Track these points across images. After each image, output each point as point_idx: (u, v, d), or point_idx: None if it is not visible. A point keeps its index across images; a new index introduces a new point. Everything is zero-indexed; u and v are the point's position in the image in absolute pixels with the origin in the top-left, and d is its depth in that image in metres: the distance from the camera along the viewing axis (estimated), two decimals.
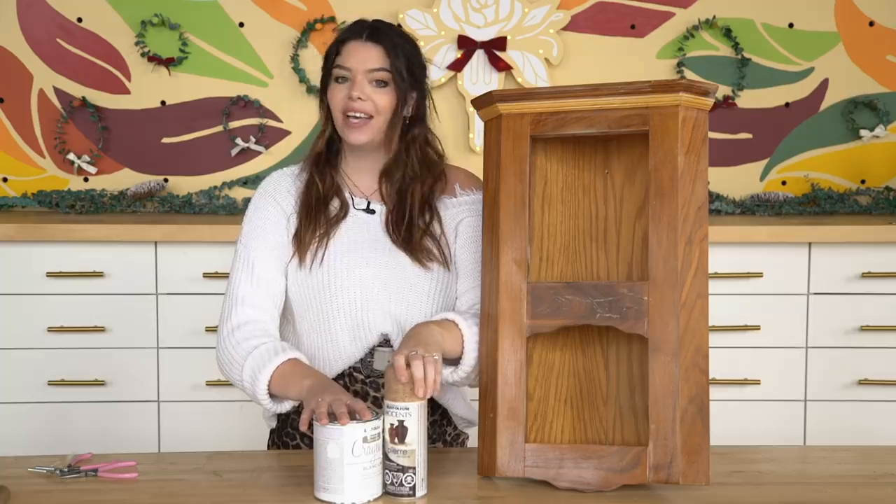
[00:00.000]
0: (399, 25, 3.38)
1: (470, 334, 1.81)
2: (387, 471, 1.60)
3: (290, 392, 1.81)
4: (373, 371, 1.95)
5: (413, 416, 1.59)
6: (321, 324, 1.94)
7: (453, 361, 1.84)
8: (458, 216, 2.00)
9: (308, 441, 1.99)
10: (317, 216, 1.96)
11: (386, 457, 1.60)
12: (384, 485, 1.61)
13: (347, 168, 2.02)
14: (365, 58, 1.92)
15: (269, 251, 1.95)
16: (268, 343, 1.87)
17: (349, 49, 1.94)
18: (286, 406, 1.88)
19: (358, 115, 1.92)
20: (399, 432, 1.59)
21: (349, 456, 1.55)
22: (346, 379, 1.96)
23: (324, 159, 2.00)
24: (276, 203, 1.99)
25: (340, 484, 1.56)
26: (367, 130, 1.93)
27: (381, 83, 1.93)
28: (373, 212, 1.99)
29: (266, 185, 2.02)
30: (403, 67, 1.94)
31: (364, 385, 1.96)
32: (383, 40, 1.94)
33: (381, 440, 1.59)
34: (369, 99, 1.92)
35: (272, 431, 2.08)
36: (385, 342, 1.95)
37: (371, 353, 1.95)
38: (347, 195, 2.00)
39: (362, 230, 1.97)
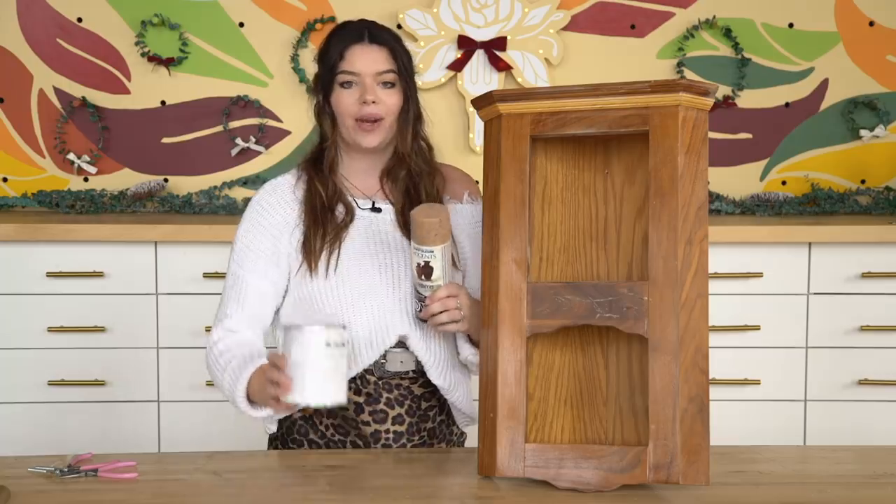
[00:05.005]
0: (399, 26, 3.39)
1: None
2: (416, 300, 1.89)
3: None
4: (385, 373, 1.95)
5: (437, 257, 1.82)
6: None
7: (476, 343, 1.88)
8: (465, 221, 2.01)
9: (315, 447, 1.98)
10: (324, 223, 1.95)
11: (415, 290, 1.87)
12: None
13: (346, 171, 2.01)
14: (372, 61, 1.92)
15: (257, 274, 1.94)
16: (241, 354, 1.87)
17: (354, 53, 1.93)
18: (267, 411, 1.85)
19: (370, 119, 1.92)
20: (425, 271, 1.82)
21: (310, 359, 1.58)
22: (358, 381, 1.94)
23: (320, 165, 2.00)
24: (271, 218, 1.97)
25: (301, 383, 1.59)
26: (379, 132, 1.94)
27: (389, 84, 1.93)
28: (379, 210, 1.98)
29: (260, 200, 2.00)
30: (405, 65, 1.95)
31: (377, 386, 1.95)
32: (385, 41, 1.94)
33: (345, 349, 1.61)
34: (381, 101, 1.92)
35: (273, 438, 2.05)
36: (400, 343, 1.94)
37: (385, 355, 1.94)
38: (350, 198, 1.99)
39: (371, 230, 1.96)
